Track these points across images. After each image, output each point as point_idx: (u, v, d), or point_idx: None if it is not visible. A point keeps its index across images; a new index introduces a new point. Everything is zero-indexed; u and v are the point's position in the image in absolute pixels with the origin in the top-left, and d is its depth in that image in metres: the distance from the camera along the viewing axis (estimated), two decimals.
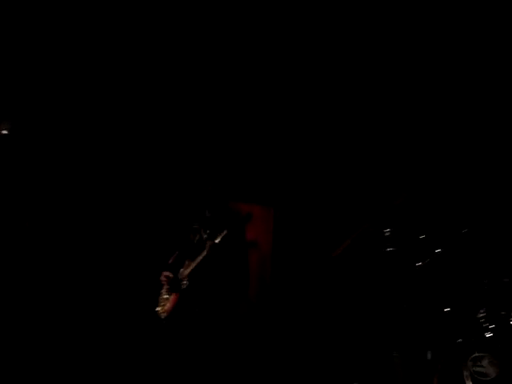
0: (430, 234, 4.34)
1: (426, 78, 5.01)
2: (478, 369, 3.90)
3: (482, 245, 4.28)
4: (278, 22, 5.03)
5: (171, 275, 4.44)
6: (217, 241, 4.25)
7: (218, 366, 4.31)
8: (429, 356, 4.13)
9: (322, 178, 5.34)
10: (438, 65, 4.93)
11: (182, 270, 4.44)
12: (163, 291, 4.51)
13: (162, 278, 4.47)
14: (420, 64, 4.97)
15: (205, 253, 4.27)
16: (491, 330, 3.98)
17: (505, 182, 4.63)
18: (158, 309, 4.49)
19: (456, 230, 4.24)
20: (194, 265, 4.34)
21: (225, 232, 4.25)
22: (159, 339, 4.51)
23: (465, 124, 4.91)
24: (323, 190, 5.36)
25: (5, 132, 4.76)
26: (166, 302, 4.45)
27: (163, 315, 4.43)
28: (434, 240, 4.30)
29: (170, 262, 4.59)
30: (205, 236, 4.43)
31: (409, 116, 5.08)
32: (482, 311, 4.05)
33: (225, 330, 4.38)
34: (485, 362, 3.90)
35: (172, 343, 4.36)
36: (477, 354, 3.91)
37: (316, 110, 5.34)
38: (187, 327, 4.31)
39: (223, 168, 5.17)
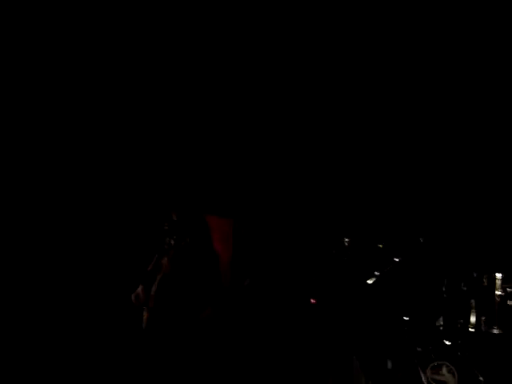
0: (388, 243, 4.36)
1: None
2: (437, 377, 3.93)
3: (441, 253, 4.32)
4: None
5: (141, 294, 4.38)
6: (180, 248, 4.23)
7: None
8: (389, 365, 4.14)
9: (282, 187, 5.33)
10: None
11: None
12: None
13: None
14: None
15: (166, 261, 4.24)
16: (450, 339, 4.02)
17: (461, 189, 4.69)
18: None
19: (414, 238, 4.27)
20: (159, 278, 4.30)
21: (188, 239, 4.23)
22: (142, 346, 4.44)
23: (418, 132, 4.96)
24: (283, 200, 5.35)
25: None
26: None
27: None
28: (392, 249, 4.33)
29: (149, 268, 4.54)
30: (172, 241, 4.41)
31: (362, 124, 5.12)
32: (440, 319, 4.09)
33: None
34: (444, 371, 3.93)
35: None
36: (436, 363, 3.94)
37: (272, 124, 5.34)
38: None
39: (183, 178, 5.13)
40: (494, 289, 3.96)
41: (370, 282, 4.25)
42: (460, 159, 4.73)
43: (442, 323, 4.09)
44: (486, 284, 3.99)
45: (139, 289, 4.46)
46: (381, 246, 4.41)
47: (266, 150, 5.36)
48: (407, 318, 4.17)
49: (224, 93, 5.33)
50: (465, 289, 4.04)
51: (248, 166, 5.42)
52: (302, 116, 5.20)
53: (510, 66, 4.53)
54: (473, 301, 4.00)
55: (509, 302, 3.93)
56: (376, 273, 4.20)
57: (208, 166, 5.33)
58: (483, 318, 3.96)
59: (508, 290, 3.94)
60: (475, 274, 4.02)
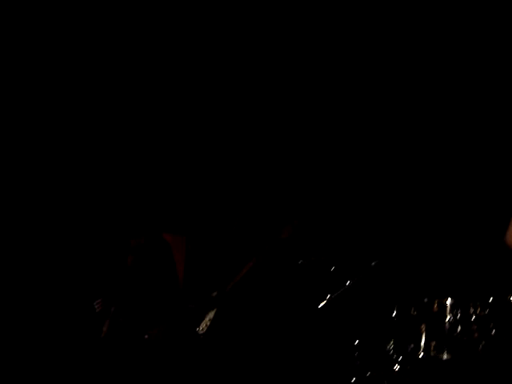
0: (340, 266, 4.34)
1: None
2: None
3: (392, 277, 4.32)
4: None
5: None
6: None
7: None
8: None
9: (235, 206, 5.30)
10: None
11: None
12: None
13: None
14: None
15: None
16: (400, 363, 4.00)
17: (414, 214, 4.71)
18: None
19: (367, 262, 4.25)
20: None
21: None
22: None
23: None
24: (235, 217, 5.32)
25: None
26: None
27: None
28: (344, 272, 4.31)
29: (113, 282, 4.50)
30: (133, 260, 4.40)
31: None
32: (391, 344, 4.08)
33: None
34: None
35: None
36: None
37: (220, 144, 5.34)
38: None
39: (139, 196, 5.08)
40: (444, 314, 3.96)
41: (321, 305, 4.22)
42: (414, 188, 4.76)
43: (392, 348, 4.07)
44: (436, 309, 3.99)
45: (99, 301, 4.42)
46: (333, 268, 4.39)
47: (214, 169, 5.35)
48: (357, 342, 4.14)
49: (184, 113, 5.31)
50: (415, 313, 4.02)
51: (201, 181, 5.39)
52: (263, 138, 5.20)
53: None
54: (423, 326, 3.99)
55: (458, 328, 3.93)
56: (328, 296, 4.16)
57: (158, 182, 5.28)
58: (433, 343, 3.95)
59: (457, 315, 3.94)
60: (426, 299, 4.01)
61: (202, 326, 4.53)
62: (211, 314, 4.54)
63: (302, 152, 5.19)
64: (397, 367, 4.00)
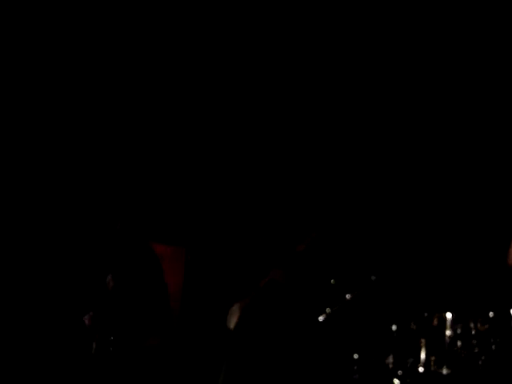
0: (340, 280, 4.33)
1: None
2: None
3: (392, 291, 4.31)
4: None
5: None
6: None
7: None
8: None
9: (235, 218, 5.28)
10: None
11: None
12: None
13: None
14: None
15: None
16: (399, 378, 3.99)
17: (413, 228, 4.70)
18: None
19: (366, 275, 4.24)
20: None
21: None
22: None
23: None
24: (236, 230, 5.30)
25: None
26: None
27: None
28: (344, 285, 4.29)
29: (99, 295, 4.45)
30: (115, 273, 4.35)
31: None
32: (390, 358, 4.07)
33: None
34: None
35: None
36: None
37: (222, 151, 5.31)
38: None
39: (132, 205, 5.03)
40: (444, 329, 3.95)
41: (320, 318, 4.20)
42: (407, 201, 4.75)
43: (391, 362, 4.06)
44: (435, 324, 3.98)
45: (88, 316, 4.37)
46: (333, 281, 4.37)
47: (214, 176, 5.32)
48: (357, 356, 4.13)
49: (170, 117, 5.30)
50: (415, 328, 4.02)
51: (200, 190, 5.37)
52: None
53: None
54: (423, 340, 3.98)
55: (458, 343, 3.92)
56: (327, 309, 4.14)
57: (156, 191, 5.26)
58: (433, 358, 3.95)
59: (457, 330, 3.93)
60: (426, 314, 4.01)
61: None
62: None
63: (314, 159, 5.18)
64: (396, 382, 3.99)
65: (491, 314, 3.94)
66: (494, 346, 3.88)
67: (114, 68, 5.20)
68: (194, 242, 5.34)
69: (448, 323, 3.94)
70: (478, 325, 3.91)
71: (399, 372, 4.00)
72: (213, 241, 5.30)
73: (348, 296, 4.21)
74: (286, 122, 5.22)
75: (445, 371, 3.91)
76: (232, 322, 4.26)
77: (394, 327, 4.10)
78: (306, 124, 5.18)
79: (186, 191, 5.37)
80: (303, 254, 4.42)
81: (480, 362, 3.88)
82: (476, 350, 3.88)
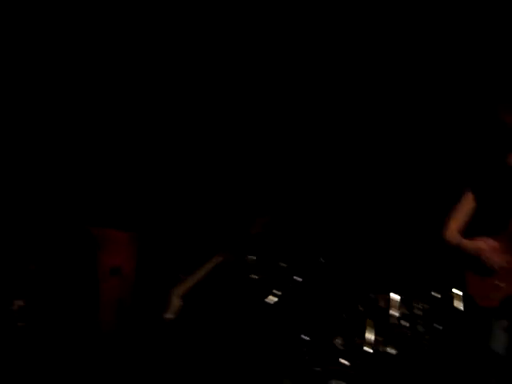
0: (290, 262, 4.37)
1: None
2: None
3: (341, 273, 4.37)
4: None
5: None
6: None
7: None
8: None
9: (187, 202, 5.28)
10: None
11: None
12: None
13: None
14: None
15: None
16: (347, 358, 4.06)
17: (359, 211, 4.76)
18: None
19: (315, 258, 4.30)
20: None
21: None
22: None
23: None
24: (189, 214, 5.29)
25: None
26: None
27: None
28: (293, 268, 4.34)
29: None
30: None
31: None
32: (338, 339, 4.13)
33: None
34: None
35: None
36: (334, 382, 3.97)
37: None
38: None
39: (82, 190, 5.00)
40: (391, 309, 4.03)
41: (269, 300, 4.25)
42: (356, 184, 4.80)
43: (340, 343, 4.12)
44: (382, 305, 4.06)
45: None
46: (283, 264, 4.42)
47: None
48: (306, 338, 4.18)
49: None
50: (362, 309, 4.09)
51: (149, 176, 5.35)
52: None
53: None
54: (370, 321, 4.05)
55: (403, 323, 4.01)
56: (276, 291, 4.20)
57: (108, 176, 5.23)
58: (379, 338, 4.02)
59: (403, 310, 4.01)
60: (372, 295, 4.08)
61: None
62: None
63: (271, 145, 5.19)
64: (345, 362, 4.06)
65: (434, 293, 4.04)
66: (438, 325, 3.98)
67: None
68: (146, 228, 5.33)
69: (393, 304, 4.02)
70: (423, 304, 4.00)
71: (347, 353, 4.07)
72: (163, 225, 5.29)
73: (298, 278, 4.27)
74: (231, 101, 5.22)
75: (392, 351, 3.99)
76: (174, 304, 4.29)
77: (342, 308, 4.17)
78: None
79: (138, 176, 5.34)
80: (255, 236, 4.45)
81: (426, 342, 3.98)
82: (421, 329, 3.97)
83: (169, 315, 4.43)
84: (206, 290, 4.53)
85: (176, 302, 4.33)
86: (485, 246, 3.25)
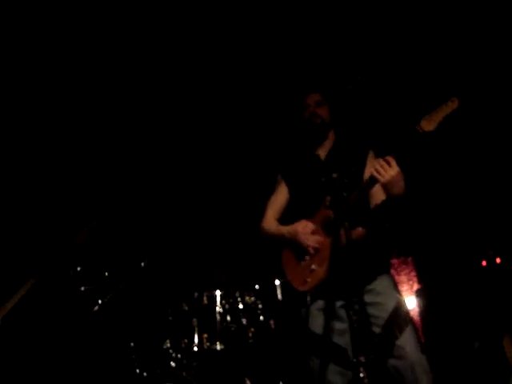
0: (112, 270, 4.30)
1: None
2: None
3: (163, 276, 4.37)
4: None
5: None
6: None
7: None
8: None
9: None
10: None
11: None
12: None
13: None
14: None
15: None
16: (175, 360, 4.05)
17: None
18: None
19: (136, 262, 4.25)
20: None
21: None
22: None
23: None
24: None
25: None
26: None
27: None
28: (117, 274, 4.27)
29: None
30: None
31: None
32: (167, 342, 4.11)
33: None
34: None
35: None
36: None
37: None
38: None
39: None
40: (215, 306, 4.07)
41: (95, 309, 4.14)
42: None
43: (168, 346, 4.10)
44: (206, 302, 4.09)
45: None
46: (106, 273, 4.33)
47: None
48: (133, 344, 4.12)
49: None
50: (186, 309, 4.10)
51: None
52: None
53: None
54: (195, 320, 4.07)
55: (228, 318, 4.07)
56: (99, 300, 4.10)
57: None
58: (205, 336, 4.05)
59: (226, 306, 4.08)
60: (196, 294, 4.11)
61: None
62: None
63: None
64: (173, 364, 4.04)
65: (257, 286, 4.15)
66: (261, 317, 4.09)
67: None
68: None
69: (217, 300, 4.07)
70: (246, 298, 4.09)
71: (176, 355, 4.06)
72: None
73: (122, 285, 4.20)
74: None
75: (218, 347, 4.03)
76: None
77: (168, 310, 4.15)
78: None
79: None
80: (79, 247, 4.34)
81: (250, 335, 4.06)
82: (244, 323, 4.05)
83: None
84: (28, 308, 4.35)
85: None
86: (301, 228, 3.37)
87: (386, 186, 3.11)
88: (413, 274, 5.18)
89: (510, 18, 4.69)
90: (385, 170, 3.07)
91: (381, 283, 3.37)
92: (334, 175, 3.14)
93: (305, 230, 3.36)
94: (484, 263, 5.03)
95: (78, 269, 4.31)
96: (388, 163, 3.07)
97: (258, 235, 3.67)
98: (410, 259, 5.22)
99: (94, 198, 4.96)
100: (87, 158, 5.18)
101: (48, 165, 5.15)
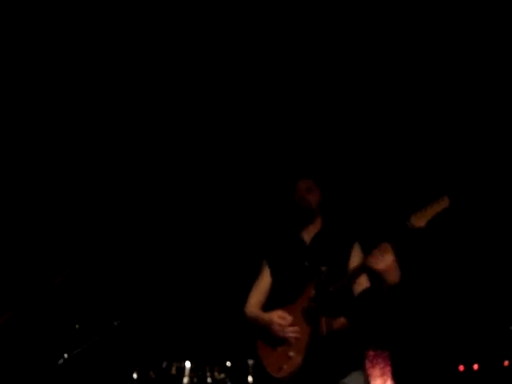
0: (84, 324, 4.21)
1: None
2: None
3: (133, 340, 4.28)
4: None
5: None
6: None
7: None
8: None
9: None
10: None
11: None
12: None
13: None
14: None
15: None
16: None
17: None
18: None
19: (109, 322, 4.15)
20: None
21: None
22: None
23: None
24: None
25: None
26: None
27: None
28: (88, 329, 4.17)
29: None
30: None
31: None
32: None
33: None
34: None
35: None
36: None
37: None
38: None
39: None
40: (183, 377, 3.98)
41: (60, 362, 4.03)
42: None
43: None
44: (174, 373, 4.00)
45: None
46: (77, 326, 4.23)
47: None
48: None
49: None
50: (154, 376, 4.00)
51: None
52: None
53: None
54: None
55: None
56: (65, 355, 3.98)
57: None
58: None
59: (194, 379, 3.99)
60: (165, 363, 4.01)
61: None
62: None
63: None
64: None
65: (228, 363, 4.06)
66: None
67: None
68: None
69: (186, 372, 3.98)
70: (215, 373, 3.99)
71: None
72: None
73: (93, 341, 4.10)
74: None
75: None
76: None
77: (134, 375, 4.05)
78: None
79: None
80: (57, 287, 4.26)
81: None
82: None
83: None
84: None
85: None
86: (276, 318, 3.32)
87: (383, 274, 3.08)
88: (387, 369, 5.08)
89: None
90: (382, 257, 3.05)
91: (354, 379, 3.30)
92: (323, 268, 3.10)
93: (280, 321, 3.31)
94: (461, 368, 4.96)
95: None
96: (384, 250, 3.05)
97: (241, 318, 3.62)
98: (386, 353, 5.13)
99: (77, 241, 4.91)
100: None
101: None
